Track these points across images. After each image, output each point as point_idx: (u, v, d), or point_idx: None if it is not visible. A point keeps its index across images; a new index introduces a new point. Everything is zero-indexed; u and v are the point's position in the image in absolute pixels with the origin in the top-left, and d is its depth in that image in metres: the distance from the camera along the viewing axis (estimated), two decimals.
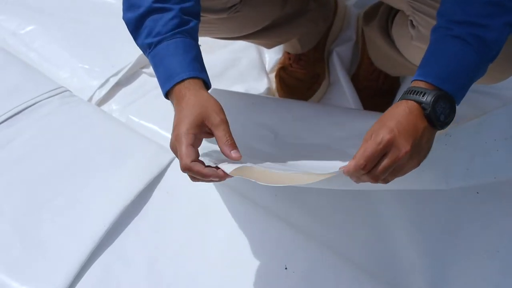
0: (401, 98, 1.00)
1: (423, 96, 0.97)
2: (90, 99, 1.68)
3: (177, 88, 1.03)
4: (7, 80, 1.61)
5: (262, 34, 1.47)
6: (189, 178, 1.03)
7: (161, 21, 1.04)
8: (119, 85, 1.73)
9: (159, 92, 1.68)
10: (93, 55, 1.77)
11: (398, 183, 1.03)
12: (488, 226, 1.35)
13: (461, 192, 1.33)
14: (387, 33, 1.50)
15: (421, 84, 0.98)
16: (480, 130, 1.20)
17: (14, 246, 1.31)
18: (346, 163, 0.96)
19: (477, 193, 1.36)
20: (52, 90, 1.57)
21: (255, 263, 1.30)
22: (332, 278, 1.29)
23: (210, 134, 1.03)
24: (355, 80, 1.69)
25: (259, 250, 1.32)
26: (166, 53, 1.04)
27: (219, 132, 1.01)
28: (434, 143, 1.03)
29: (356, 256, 1.33)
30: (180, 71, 1.03)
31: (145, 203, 1.37)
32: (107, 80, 1.72)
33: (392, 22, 1.45)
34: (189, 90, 1.03)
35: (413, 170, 1.00)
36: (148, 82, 1.74)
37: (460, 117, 1.33)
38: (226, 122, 1.01)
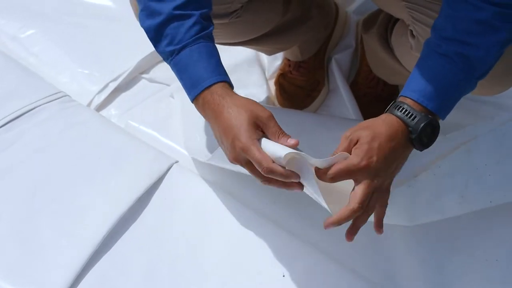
0: (390, 111, 1.02)
1: (412, 119, 0.99)
2: (89, 104, 1.68)
3: (206, 93, 1.05)
4: (6, 84, 1.61)
5: (263, 41, 1.47)
6: (260, 183, 1.03)
7: (183, 28, 1.05)
8: (118, 90, 1.73)
9: (158, 97, 1.71)
10: (93, 60, 1.78)
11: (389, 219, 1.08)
12: (487, 235, 1.35)
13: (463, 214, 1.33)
14: (386, 41, 1.50)
15: (408, 102, 1.01)
16: (470, 157, 1.21)
17: (12, 251, 1.31)
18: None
19: None
20: (52, 94, 1.57)
21: (253, 271, 1.30)
22: (331, 286, 1.28)
23: (262, 131, 1.03)
24: (354, 87, 1.69)
25: (257, 257, 1.31)
26: (190, 59, 1.05)
27: (271, 128, 1.02)
28: (422, 174, 1.11)
29: (355, 264, 1.33)
30: (206, 76, 1.05)
31: (143, 209, 1.37)
32: (106, 85, 1.72)
33: (391, 30, 1.45)
34: (223, 95, 1.04)
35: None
36: (148, 88, 1.74)
37: (456, 125, 1.34)
38: (272, 116, 1.03)
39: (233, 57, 1.76)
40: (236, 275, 1.29)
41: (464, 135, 1.25)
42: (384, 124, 1.01)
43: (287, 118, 1.51)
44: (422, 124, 0.99)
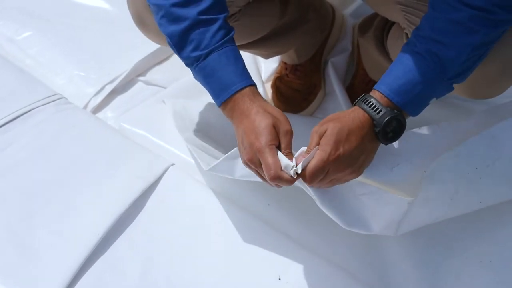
0: (358, 104, 1.04)
1: (377, 113, 1.02)
2: (85, 106, 1.68)
3: (236, 97, 1.07)
4: (3, 86, 1.61)
5: (260, 44, 1.48)
6: (268, 185, 1.06)
7: (209, 33, 1.06)
8: (114, 93, 1.73)
9: (155, 100, 1.71)
10: (89, 62, 1.78)
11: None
12: (481, 236, 1.35)
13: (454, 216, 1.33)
14: (382, 45, 1.51)
15: (377, 95, 1.03)
16: (459, 161, 1.21)
17: (7, 252, 1.31)
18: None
19: None
20: (48, 97, 1.57)
21: (248, 273, 1.30)
22: None
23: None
24: (350, 90, 1.69)
25: (252, 260, 1.31)
26: (219, 63, 1.06)
27: (283, 142, 1.04)
28: (407, 179, 1.14)
29: (350, 267, 1.33)
30: (236, 80, 1.07)
31: (139, 212, 1.37)
32: (102, 88, 1.72)
33: (387, 34, 1.45)
34: (253, 99, 1.07)
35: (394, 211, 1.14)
36: (144, 90, 1.74)
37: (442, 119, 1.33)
38: (290, 132, 1.06)
39: None
40: (232, 278, 1.29)
41: (445, 134, 1.25)
42: (350, 117, 1.03)
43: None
44: (387, 118, 1.01)
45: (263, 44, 1.49)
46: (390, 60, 1.43)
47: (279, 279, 1.28)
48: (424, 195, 1.17)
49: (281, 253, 1.32)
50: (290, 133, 1.05)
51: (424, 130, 1.24)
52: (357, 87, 1.68)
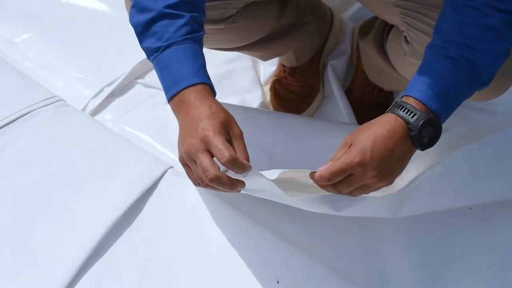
0: (391, 111, 1.01)
1: (412, 116, 0.99)
2: (84, 109, 1.67)
3: (185, 92, 1.03)
4: (1, 88, 1.60)
5: (258, 46, 1.48)
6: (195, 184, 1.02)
7: (172, 27, 1.04)
8: (113, 95, 1.73)
9: (153, 102, 1.71)
10: (88, 64, 1.77)
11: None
12: (480, 242, 1.35)
13: (454, 208, 1.34)
14: (382, 48, 1.51)
15: (411, 101, 1.00)
16: (471, 159, 1.22)
17: (4, 255, 1.30)
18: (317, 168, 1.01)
19: (470, 209, 1.36)
20: (46, 99, 1.56)
21: (247, 276, 1.29)
22: None
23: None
24: (349, 93, 1.69)
25: (251, 263, 1.31)
26: (175, 57, 1.04)
27: (239, 144, 1.01)
28: (419, 168, 1.11)
29: (348, 270, 1.33)
30: (189, 76, 1.03)
31: (137, 215, 1.36)
32: (101, 90, 1.72)
33: (387, 37, 1.45)
34: (205, 95, 1.02)
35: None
36: (143, 93, 1.74)
37: (447, 130, 1.34)
38: (242, 135, 1.02)
39: (229, 62, 1.77)
40: (229, 281, 1.28)
41: (462, 135, 1.26)
42: (380, 122, 1.01)
43: (283, 122, 1.52)
44: (423, 121, 0.98)
45: (261, 46, 1.49)
46: (390, 63, 1.43)
47: (278, 282, 1.28)
48: (430, 183, 1.16)
49: (280, 256, 1.31)
50: (242, 136, 1.02)
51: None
52: (356, 90, 1.68)
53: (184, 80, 1.03)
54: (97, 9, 1.90)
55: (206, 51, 1.50)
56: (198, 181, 1.03)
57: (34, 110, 1.54)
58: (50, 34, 1.83)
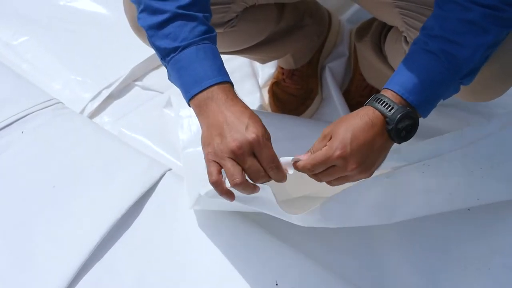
0: (369, 103, 1.02)
1: (390, 110, 0.99)
2: (82, 111, 1.67)
3: (213, 90, 1.01)
4: None
5: (257, 49, 1.48)
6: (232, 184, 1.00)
7: (187, 27, 1.03)
8: (111, 98, 1.73)
9: (151, 105, 1.71)
10: (86, 67, 1.78)
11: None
12: (480, 243, 1.35)
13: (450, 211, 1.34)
14: (379, 49, 1.51)
15: (389, 94, 1.01)
16: (465, 161, 1.22)
17: (3, 258, 1.30)
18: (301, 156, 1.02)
19: (468, 210, 1.36)
20: (45, 102, 1.56)
21: (245, 279, 1.29)
22: None
23: None
24: (347, 95, 1.69)
25: (250, 265, 1.31)
26: (195, 56, 1.03)
27: (270, 148, 1.00)
28: (408, 172, 1.12)
29: (348, 273, 1.33)
30: (212, 75, 1.02)
31: (136, 217, 1.36)
32: (99, 93, 1.72)
33: (385, 39, 1.46)
34: (233, 94, 1.02)
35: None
36: (141, 95, 1.74)
37: (439, 133, 1.34)
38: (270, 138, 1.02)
39: (227, 65, 1.73)
40: (229, 283, 1.28)
41: (458, 137, 1.25)
42: (359, 115, 1.01)
43: (282, 123, 1.52)
44: (400, 115, 0.99)
45: (260, 49, 1.49)
46: (388, 65, 1.44)
47: (276, 284, 1.28)
48: (424, 186, 1.16)
49: (279, 258, 1.31)
50: (270, 139, 1.02)
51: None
52: (354, 92, 1.68)
53: (208, 79, 1.02)
54: (96, 12, 1.90)
55: None
56: (219, 180, 1.01)
57: (32, 112, 1.53)
58: (48, 37, 1.84)
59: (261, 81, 1.77)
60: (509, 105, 1.52)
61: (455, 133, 1.24)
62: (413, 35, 1.19)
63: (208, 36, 1.05)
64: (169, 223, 1.37)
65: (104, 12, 1.90)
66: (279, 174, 1.00)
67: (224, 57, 1.71)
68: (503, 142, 1.26)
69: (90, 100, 1.70)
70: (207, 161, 1.01)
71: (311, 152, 1.02)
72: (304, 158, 1.02)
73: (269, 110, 1.70)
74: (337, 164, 1.00)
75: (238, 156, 0.98)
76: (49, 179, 1.42)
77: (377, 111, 1.00)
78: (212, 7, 1.17)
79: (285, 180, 1.02)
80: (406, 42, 1.23)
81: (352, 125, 1.00)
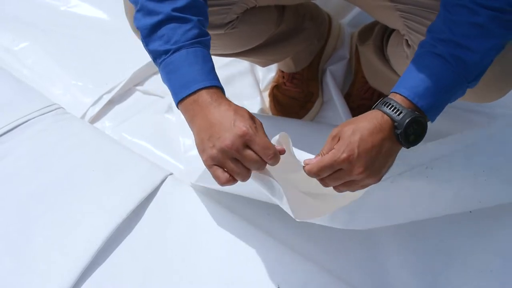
0: (377, 107, 1.02)
1: (398, 114, 0.99)
2: (83, 116, 1.67)
3: (200, 93, 1.01)
4: (0, 96, 1.60)
5: (257, 52, 1.48)
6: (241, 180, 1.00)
7: (180, 30, 1.03)
8: (112, 103, 1.73)
9: (152, 109, 1.71)
10: (87, 72, 1.78)
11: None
12: (481, 245, 1.35)
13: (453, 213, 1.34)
14: (382, 52, 1.51)
15: (397, 98, 1.00)
16: (468, 163, 1.22)
17: (4, 262, 1.30)
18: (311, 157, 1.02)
19: (470, 212, 1.36)
20: (46, 107, 1.56)
21: (247, 282, 1.29)
22: None
23: None
24: (349, 98, 1.69)
25: (252, 268, 1.31)
26: (184, 60, 1.03)
27: (262, 136, 1.00)
28: (413, 176, 1.11)
29: (349, 276, 1.33)
30: (200, 79, 1.02)
31: (138, 221, 1.36)
32: (100, 97, 1.72)
33: (387, 42, 1.46)
34: (221, 96, 1.02)
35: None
36: (142, 100, 1.74)
37: (446, 134, 1.35)
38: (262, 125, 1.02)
39: (227, 68, 1.77)
40: (230, 286, 1.28)
41: (461, 140, 1.25)
42: (367, 118, 1.01)
43: (282, 126, 1.52)
44: (408, 119, 0.98)
45: (260, 52, 1.49)
46: (391, 68, 1.44)
47: (278, 287, 1.28)
48: (428, 191, 1.16)
49: (281, 262, 1.31)
50: (262, 126, 1.01)
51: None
52: (355, 95, 1.68)
53: (196, 83, 1.02)
54: (96, 17, 1.91)
55: None
56: (229, 179, 1.01)
57: (34, 118, 1.54)
58: (48, 42, 1.84)
59: (261, 84, 1.77)
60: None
61: (457, 135, 1.24)
62: (414, 38, 1.19)
63: (200, 40, 1.04)
64: (171, 227, 1.37)
65: (105, 17, 1.90)
66: (277, 160, 0.99)
67: (224, 61, 1.75)
68: (506, 144, 1.26)
69: (91, 105, 1.70)
70: (208, 167, 1.02)
71: (321, 155, 1.01)
72: (314, 161, 1.01)
73: (270, 113, 1.70)
74: (344, 167, 0.99)
75: (234, 153, 0.98)
76: (50, 184, 1.42)
77: (385, 115, 1.00)
78: (213, 8, 1.17)
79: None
80: (408, 45, 1.23)
81: (360, 128, 0.99)
